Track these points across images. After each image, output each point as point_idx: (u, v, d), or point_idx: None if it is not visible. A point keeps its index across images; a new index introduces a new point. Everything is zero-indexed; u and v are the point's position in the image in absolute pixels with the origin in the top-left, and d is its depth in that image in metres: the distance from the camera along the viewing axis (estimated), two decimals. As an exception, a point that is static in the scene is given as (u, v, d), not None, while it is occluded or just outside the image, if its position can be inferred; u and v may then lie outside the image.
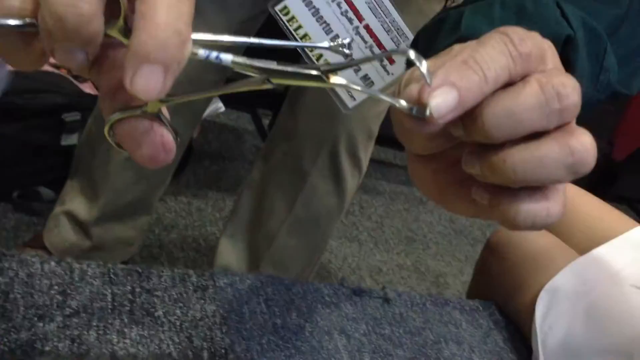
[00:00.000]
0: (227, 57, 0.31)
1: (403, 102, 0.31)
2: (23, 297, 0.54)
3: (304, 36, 0.60)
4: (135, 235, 1.11)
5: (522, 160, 0.31)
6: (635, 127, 2.32)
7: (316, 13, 0.59)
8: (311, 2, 0.59)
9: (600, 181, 2.42)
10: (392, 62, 0.60)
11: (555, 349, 0.70)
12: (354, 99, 0.61)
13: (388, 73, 0.60)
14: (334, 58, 0.60)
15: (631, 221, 0.83)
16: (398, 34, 0.60)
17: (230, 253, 1.12)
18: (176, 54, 0.26)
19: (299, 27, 0.60)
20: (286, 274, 1.06)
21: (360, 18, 0.59)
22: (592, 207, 0.87)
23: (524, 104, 0.30)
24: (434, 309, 0.74)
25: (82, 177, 1.07)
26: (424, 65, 0.30)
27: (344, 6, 0.59)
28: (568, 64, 0.44)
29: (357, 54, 0.60)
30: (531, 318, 0.73)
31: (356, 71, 0.61)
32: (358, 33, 0.60)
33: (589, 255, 0.75)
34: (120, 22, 0.28)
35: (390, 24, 0.59)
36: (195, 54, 0.29)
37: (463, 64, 0.31)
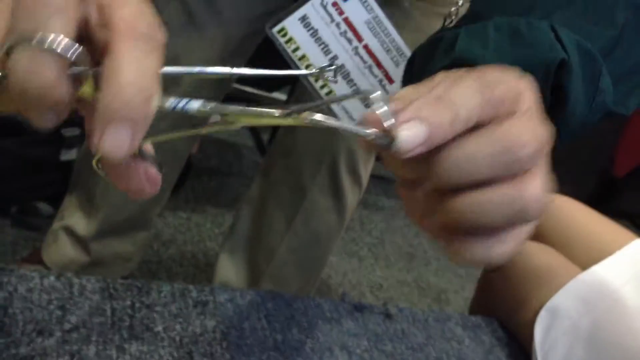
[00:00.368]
0: (193, 106, 0.31)
1: (371, 131, 0.31)
2: (22, 312, 0.54)
3: (302, 57, 0.60)
4: (134, 250, 1.10)
5: (469, 204, 0.31)
6: (635, 144, 2.33)
7: (315, 34, 0.59)
8: (309, 24, 0.59)
9: (602, 197, 2.42)
10: (391, 82, 0.61)
11: None
12: (352, 120, 0.61)
13: (387, 93, 0.61)
14: (337, 84, 0.61)
15: (629, 234, 0.83)
16: (397, 53, 0.60)
17: (229, 269, 1.11)
18: (141, 112, 0.27)
19: (297, 48, 0.60)
20: (286, 290, 1.05)
21: (359, 38, 0.59)
22: (591, 221, 0.87)
23: (480, 153, 0.31)
24: (436, 325, 0.73)
25: (80, 192, 1.06)
26: (383, 110, 0.31)
27: (343, 27, 0.59)
28: (562, 88, 0.44)
29: (355, 75, 0.60)
30: (532, 336, 0.73)
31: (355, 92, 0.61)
32: (357, 53, 0.60)
33: (589, 272, 0.75)
34: (90, 83, 0.28)
35: (389, 44, 0.59)
36: (162, 107, 0.30)
37: (437, 100, 0.31)
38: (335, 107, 0.61)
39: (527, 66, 0.39)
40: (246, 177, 1.86)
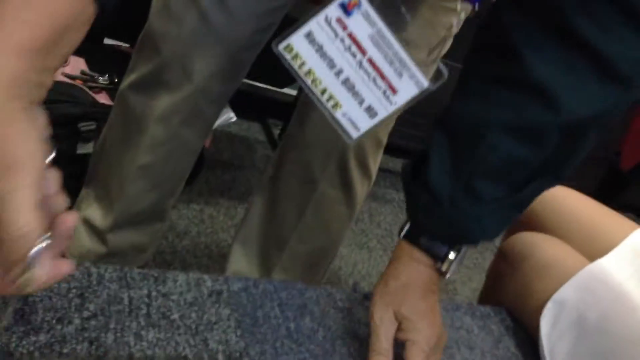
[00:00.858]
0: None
1: None
2: (42, 300, 0.55)
3: (308, 72, 0.62)
4: (149, 241, 1.12)
5: None
6: (640, 138, 2.32)
7: (320, 50, 0.61)
8: (314, 39, 0.61)
9: (608, 190, 2.41)
10: (394, 92, 0.62)
11: (565, 358, 0.70)
12: (358, 130, 0.63)
13: (391, 103, 0.62)
14: (340, 93, 0.62)
15: (632, 224, 0.83)
16: (400, 65, 0.61)
17: (242, 259, 1.12)
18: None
19: (303, 63, 0.61)
20: (298, 280, 1.06)
21: (363, 52, 0.61)
22: (597, 213, 0.88)
23: None
24: (446, 314, 0.74)
25: (96, 185, 1.08)
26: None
27: (347, 41, 0.61)
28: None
29: (360, 87, 0.62)
30: (541, 326, 0.73)
31: (360, 103, 0.63)
32: (362, 66, 0.61)
33: (595, 265, 0.76)
34: None
35: (392, 56, 0.61)
36: None
37: None
38: (340, 117, 0.63)
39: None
40: (258, 170, 1.88)
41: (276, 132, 2.07)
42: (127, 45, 1.66)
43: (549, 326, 0.72)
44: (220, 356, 0.58)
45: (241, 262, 1.13)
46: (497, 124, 0.59)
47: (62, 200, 0.44)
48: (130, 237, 1.08)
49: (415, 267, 0.63)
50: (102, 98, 1.43)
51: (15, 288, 0.40)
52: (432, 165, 0.61)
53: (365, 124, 0.63)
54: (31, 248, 0.39)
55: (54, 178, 0.43)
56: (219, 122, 1.62)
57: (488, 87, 0.59)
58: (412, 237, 0.64)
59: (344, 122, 0.63)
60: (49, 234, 0.41)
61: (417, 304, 0.62)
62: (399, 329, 0.61)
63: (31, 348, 0.52)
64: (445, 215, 0.62)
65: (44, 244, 0.40)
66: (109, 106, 1.37)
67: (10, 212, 0.38)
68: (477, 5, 0.91)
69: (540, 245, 0.82)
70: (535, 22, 0.56)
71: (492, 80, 0.59)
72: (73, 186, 1.30)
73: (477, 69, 0.61)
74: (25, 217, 0.39)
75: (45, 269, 0.41)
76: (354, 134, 0.63)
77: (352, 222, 1.11)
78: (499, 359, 0.72)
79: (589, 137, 0.59)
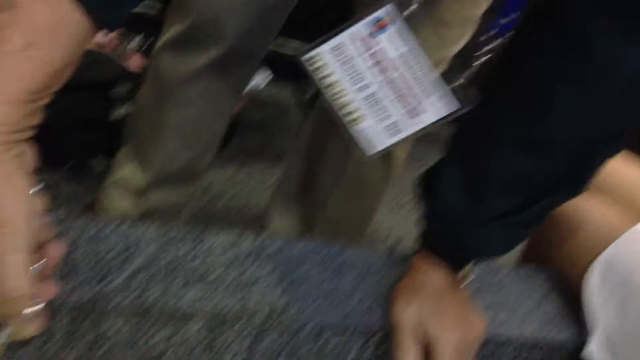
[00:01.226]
0: None
1: None
2: (85, 258, 0.56)
3: (331, 85, 0.61)
4: (185, 203, 1.13)
5: None
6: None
7: (346, 63, 0.60)
8: (342, 53, 0.59)
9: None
10: (422, 112, 0.61)
11: (610, 321, 0.69)
12: (374, 148, 0.63)
13: (418, 122, 0.62)
14: (362, 108, 0.61)
15: None
16: (429, 84, 0.60)
17: (280, 220, 1.13)
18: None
19: (327, 75, 0.61)
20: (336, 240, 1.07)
21: (392, 69, 0.59)
22: (637, 173, 0.86)
23: None
24: (486, 276, 0.73)
25: (132, 145, 1.09)
26: None
27: (376, 57, 0.59)
28: None
29: (386, 103, 0.61)
30: (585, 287, 0.72)
31: (383, 119, 0.61)
32: (389, 83, 0.60)
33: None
34: None
35: (422, 76, 0.59)
36: None
37: None
38: (356, 133, 0.63)
39: None
40: (291, 133, 1.87)
41: (310, 93, 2.05)
42: (153, 12, 1.66)
43: (595, 287, 0.71)
44: (259, 314, 0.59)
45: (280, 223, 1.13)
46: (509, 138, 0.58)
47: (49, 229, 0.45)
48: (165, 198, 1.09)
49: (433, 274, 0.64)
50: (133, 63, 1.44)
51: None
52: (444, 178, 0.62)
53: (384, 141, 0.63)
54: (24, 309, 0.41)
55: (41, 205, 0.43)
56: (253, 82, 1.61)
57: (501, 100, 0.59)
58: (428, 246, 0.66)
59: (360, 137, 0.63)
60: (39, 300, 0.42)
61: (437, 305, 0.62)
62: (420, 330, 0.61)
63: (78, 304, 0.52)
64: (454, 230, 0.63)
65: (35, 308, 0.41)
66: (140, 71, 1.38)
67: (2, 275, 0.39)
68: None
69: (586, 205, 0.80)
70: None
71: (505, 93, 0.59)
72: (106, 150, 1.31)
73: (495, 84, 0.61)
74: (16, 282, 0.40)
75: (38, 323, 0.42)
76: (370, 151, 0.63)
77: (390, 185, 1.10)
78: (541, 321, 0.71)
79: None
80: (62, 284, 0.52)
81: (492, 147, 0.60)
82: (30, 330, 0.42)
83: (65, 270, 0.54)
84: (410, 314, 0.61)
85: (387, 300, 0.65)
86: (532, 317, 0.71)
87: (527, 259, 0.88)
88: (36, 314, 0.42)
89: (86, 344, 0.54)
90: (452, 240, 0.64)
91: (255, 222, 1.43)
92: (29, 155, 0.42)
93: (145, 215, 1.09)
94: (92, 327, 0.54)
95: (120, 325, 0.54)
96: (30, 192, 0.42)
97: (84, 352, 0.54)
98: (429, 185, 0.65)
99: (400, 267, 0.69)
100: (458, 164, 0.62)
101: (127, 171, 1.07)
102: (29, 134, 0.42)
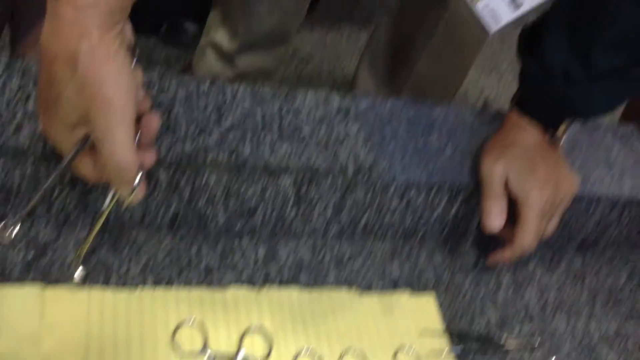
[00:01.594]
0: None
1: None
2: (184, 114, 0.59)
3: None
4: (275, 65, 1.14)
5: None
6: None
7: None
8: None
9: None
10: None
11: None
12: (498, 22, 0.59)
13: None
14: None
15: None
16: None
17: (369, 80, 1.12)
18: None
19: None
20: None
21: None
22: None
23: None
24: (585, 133, 0.71)
25: (222, 8, 1.09)
26: None
27: None
28: None
29: None
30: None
31: None
32: None
33: None
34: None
35: None
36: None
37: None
38: (480, 10, 0.59)
39: None
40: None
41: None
42: None
43: None
44: (349, 169, 0.60)
45: (369, 83, 1.13)
46: None
47: (147, 100, 0.48)
48: (256, 60, 1.10)
49: (525, 133, 0.62)
50: None
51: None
52: (549, 33, 0.58)
53: (507, 15, 0.59)
54: (135, 176, 0.45)
55: (140, 78, 0.46)
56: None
57: None
58: (522, 106, 0.63)
59: (483, 14, 0.59)
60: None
61: (527, 163, 0.61)
62: (509, 187, 0.61)
63: (178, 157, 0.56)
64: (556, 89, 0.60)
65: (139, 175, 0.46)
66: None
67: (112, 147, 0.43)
68: None
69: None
70: None
71: None
72: (198, 12, 1.32)
73: None
74: (127, 153, 0.44)
75: (141, 188, 0.46)
76: (493, 27, 0.59)
77: (483, 44, 1.05)
78: (638, 178, 0.69)
79: None
80: (162, 140, 0.55)
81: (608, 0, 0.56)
82: (138, 195, 0.47)
83: (164, 128, 0.57)
84: (498, 169, 0.61)
85: (476, 157, 0.64)
86: (628, 175, 0.69)
87: (625, 116, 0.84)
88: (140, 180, 0.46)
89: (186, 196, 0.58)
90: (551, 99, 0.62)
91: (345, 84, 1.43)
92: (128, 30, 0.44)
93: (238, 78, 1.11)
94: (191, 180, 0.57)
95: (216, 179, 0.58)
96: (132, 66, 0.44)
97: (185, 204, 0.58)
98: (532, 42, 0.62)
99: (491, 125, 0.68)
100: (565, 19, 0.59)
101: (218, 35, 1.09)
102: (128, 11, 0.43)
